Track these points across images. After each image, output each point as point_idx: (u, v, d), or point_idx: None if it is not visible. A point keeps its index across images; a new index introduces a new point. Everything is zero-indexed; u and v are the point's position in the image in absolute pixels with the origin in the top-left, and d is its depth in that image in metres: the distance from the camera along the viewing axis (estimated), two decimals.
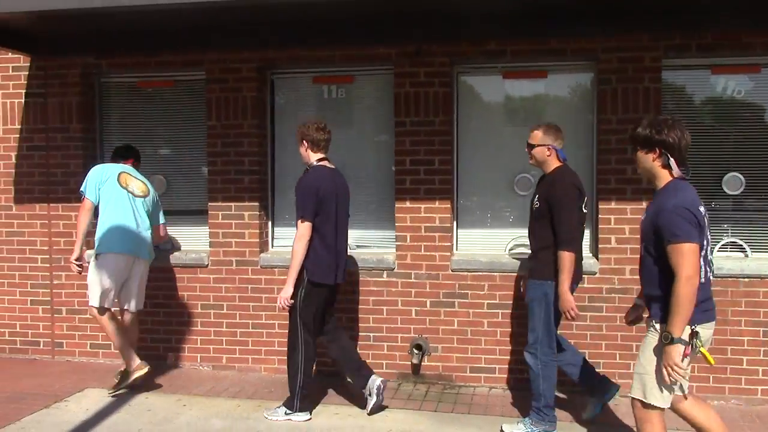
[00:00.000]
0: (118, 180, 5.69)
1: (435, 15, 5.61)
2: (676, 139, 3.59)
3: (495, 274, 5.85)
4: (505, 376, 5.87)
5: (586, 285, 5.68)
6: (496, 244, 6.10)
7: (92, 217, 5.69)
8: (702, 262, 3.52)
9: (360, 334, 6.08)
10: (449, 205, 5.94)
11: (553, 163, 4.89)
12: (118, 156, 5.95)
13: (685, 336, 3.50)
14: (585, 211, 4.89)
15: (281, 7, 5.21)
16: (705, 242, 3.58)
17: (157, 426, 5.01)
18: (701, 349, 3.55)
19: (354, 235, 6.29)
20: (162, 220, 5.99)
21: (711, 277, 3.69)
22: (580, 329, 5.72)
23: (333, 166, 5.28)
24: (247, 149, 6.21)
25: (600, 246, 5.70)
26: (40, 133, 6.58)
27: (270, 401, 5.53)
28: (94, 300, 5.59)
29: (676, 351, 3.49)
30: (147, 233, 5.76)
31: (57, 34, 6.25)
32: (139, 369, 5.59)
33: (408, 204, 5.97)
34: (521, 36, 5.72)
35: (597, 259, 5.74)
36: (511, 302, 5.83)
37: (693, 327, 3.51)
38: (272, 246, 6.45)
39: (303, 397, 5.15)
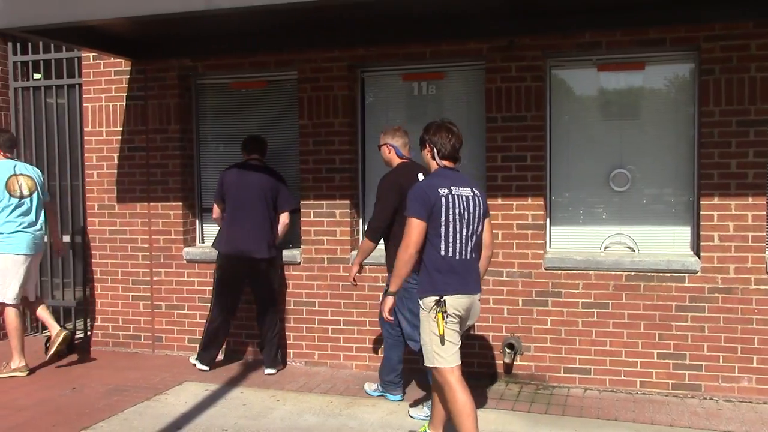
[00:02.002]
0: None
1: (527, 7, 5.50)
2: (438, 138, 4.33)
3: (590, 272, 5.69)
4: (601, 377, 5.70)
5: (686, 284, 5.46)
6: (590, 241, 5.94)
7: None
8: (444, 240, 4.13)
9: None
10: (542, 202, 5.81)
11: (395, 161, 5.34)
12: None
13: (429, 302, 4.12)
14: None
15: (372, 4, 5.21)
16: (453, 224, 4.15)
17: (251, 420, 5.10)
18: (438, 315, 4.08)
19: None
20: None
21: (465, 256, 4.18)
22: (680, 330, 5.51)
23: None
24: (337, 147, 6.26)
25: (702, 243, 5.47)
26: (140, 134, 6.82)
27: (362, 398, 5.55)
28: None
29: (387, 301, 4.32)
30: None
31: (156, 38, 6.46)
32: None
33: (499, 201, 5.88)
34: (617, 26, 5.54)
35: (698, 258, 5.50)
36: (607, 301, 5.66)
37: (438, 297, 4.09)
38: None
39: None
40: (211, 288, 6.33)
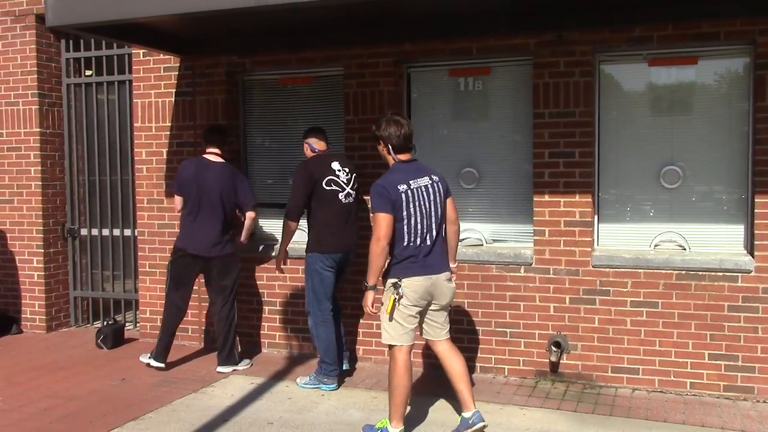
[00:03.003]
0: None
1: (576, 1, 5.42)
2: (392, 132, 4.53)
3: (639, 270, 5.60)
4: (650, 377, 5.61)
5: (739, 284, 5.34)
6: (640, 239, 5.84)
7: None
8: (407, 231, 4.46)
9: (496, 329, 5.99)
10: (590, 199, 5.73)
11: (309, 155, 5.92)
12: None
13: (389, 283, 4.48)
14: (327, 187, 5.69)
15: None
16: (414, 215, 4.47)
17: (297, 414, 5.14)
18: (392, 297, 4.45)
19: (490, 229, 6.23)
20: None
21: (426, 242, 4.50)
22: (732, 331, 5.39)
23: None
24: None
25: (756, 242, 5.34)
26: (188, 129, 6.90)
27: None
28: None
29: (367, 296, 4.53)
30: None
31: (204, 35, 6.52)
32: None
33: (546, 198, 5.82)
34: (669, 20, 5.43)
35: (752, 257, 5.37)
36: (657, 300, 5.56)
37: (397, 279, 4.44)
38: None
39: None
40: (261, 282, 6.39)
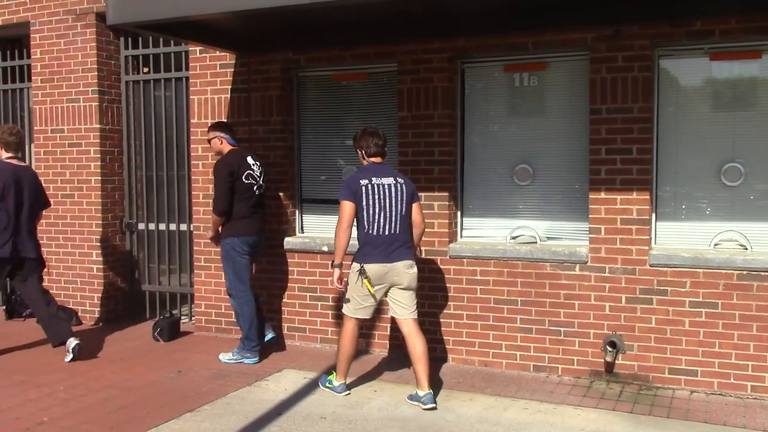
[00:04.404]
0: None
1: None
2: (364, 141, 5.41)
3: (698, 270, 5.47)
4: (709, 379, 5.48)
5: None
6: (699, 238, 5.70)
7: None
8: (366, 220, 5.23)
9: (550, 328, 5.93)
10: (648, 197, 5.62)
11: (227, 149, 6.33)
12: None
13: (356, 267, 5.24)
14: (246, 181, 6.23)
15: None
16: (374, 207, 5.23)
17: (349, 409, 5.16)
18: (365, 280, 5.21)
19: (544, 226, 6.16)
20: None
21: (385, 233, 5.23)
22: None
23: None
24: (437, 139, 6.23)
25: None
26: (243, 125, 6.98)
27: (458, 391, 5.53)
28: None
29: (333, 273, 5.32)
30: None
31: (260, 32, 6.58)
32: None
33: (603, 195, 5.73)
34: (732, 13, 5.28)
35: None
36: (717, 301, 5.43)
37: (360, 264, 5.22)
38: (461, 236, 6.44)
39: None
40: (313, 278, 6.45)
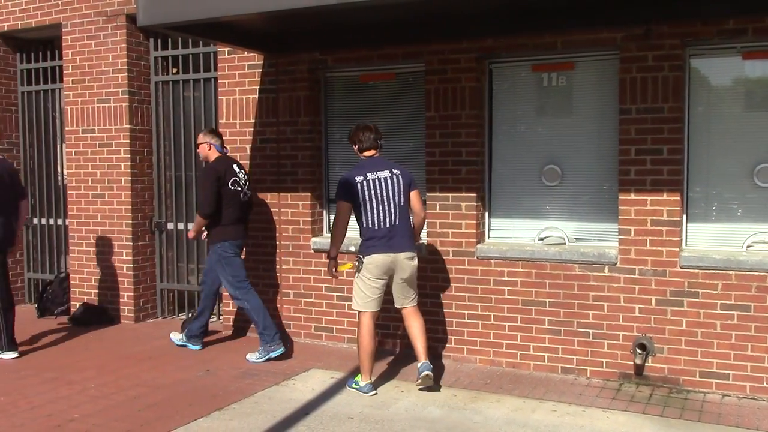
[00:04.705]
0: None
1: None
2: (356, 137, 5.63)
3: (730, 272, 5.39)
4: (741, 383, 5.41)
5: None
6: (731, 239, 5.62)
7: None
8: (365, 215, 5.44)
9: (578, 330, 5.88)
10: (678, 198, 5.55)
11: (214, 155, 6.56)
12: None
13: (356, 262, 5.52)
14: (232, 188, 6.46)
15: None
16: (372, 202, 5.43)
17: (376, 410, 5.16)
18: (347, 264, 5.74)
19: (573, 227, 6.11)
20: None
21: (386, 225, 5.43)
22: None
23: None
24: (464, 140, 6.21)
25: None
26: (271, 126, 7.01)
27: (485, 393, 5.51)
28: None
29: (329, 263, 5.61)
30: None
31: (288, 32, 6.62)
32: None
33: (632, 196, 5.67)
34: (766, 11, 5.20)
35: None
36: (749, 304, 5.35)
37: (359, 256, 5.47)
38: (488, 237, 6.41)
39: None
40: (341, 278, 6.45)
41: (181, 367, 6.21)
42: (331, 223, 5.60)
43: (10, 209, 6.66)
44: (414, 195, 5.60)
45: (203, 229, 6.62)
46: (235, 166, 6.58)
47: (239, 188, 6.54)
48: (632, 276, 5.70)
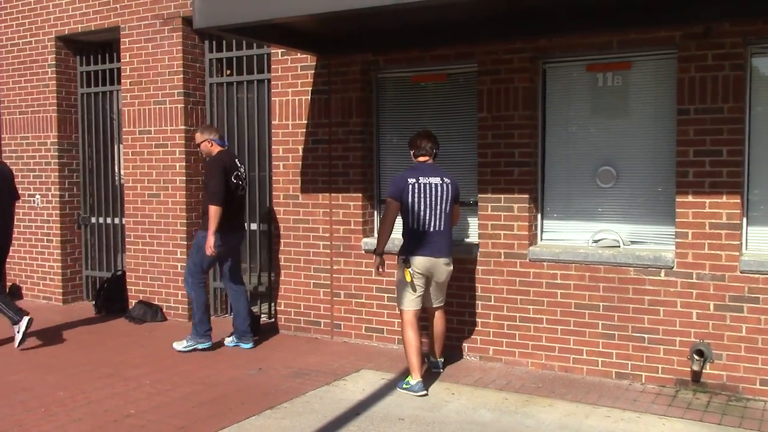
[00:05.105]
0: None
1: None
2: (414, 143, 5.83)
3: None
4: None
5: None
6: None
7: None
8: (411, 216, 5.63)
9: (633, 335, 5.77)
10: (738, 200, 5.41)
11: (216, 150, 6.76)
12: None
13: (401, 260, 5.68)
14: (234, 181, 6.66)
15: None
16: (420, 204, 5.62)
17: (427, 412, 5.15)
18: (407, 271, 5.60)
19: (628, 230, 6.01)
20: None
21: (430, 229, 5.62)
22: None
23: None
24: (517, 141, 6.15)
25: None
26: (323, 127, 7.05)
27: (538, 397, 5.45)
28: None
29: (375, 260, 5.83)
30: None
31: (340, 34, 6.64)
32: None
33: (690, 198, 5.54)
34: None
35: None
36: None
37: (405, 257, 5.63)
38: (541, 239, 6.34)
39: None
40: (391, 279, 6.48)
41: (233, 366, 6.28)
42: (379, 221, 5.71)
43: (9, 215, 7.03)
44: (456, 208, 5.88)
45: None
46: (236, 161, 6.83)
47: (239, 182, 6.76)
48: (690, 280, 5.57)
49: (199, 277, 6.76)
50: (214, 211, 6.47)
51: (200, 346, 6.72)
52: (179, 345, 6.77)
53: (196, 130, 6.94)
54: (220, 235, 6.57)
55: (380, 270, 5.83)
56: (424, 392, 5.49)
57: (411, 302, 5.66)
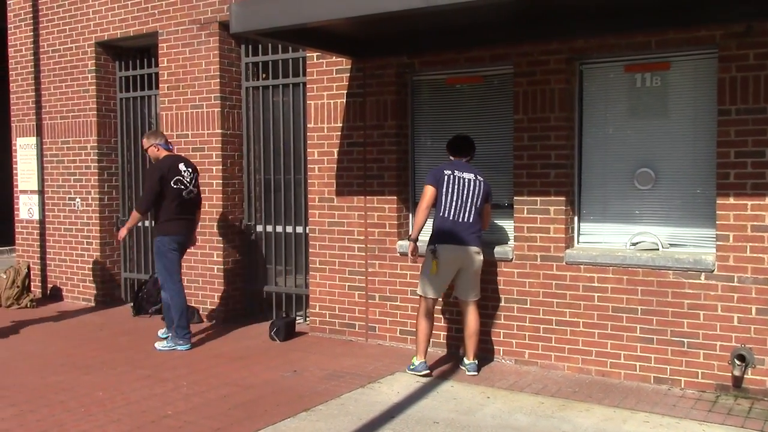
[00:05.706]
0: None
1: None
2: (456, 144, 6.14)
3: None
4: None
5: None
6: None
7: None
8: (444, 205, 5.91)
9: (672, 339, 5.68)
10: None
11: (162, 154, 6.99)
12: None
13: (429, 248, 5.93)
14: (175, 186, 6.86)
15: None
16: (453, 195, 5.91)
17: (462, 415, 5.12)
18: (434, 262, 5.84)
19: (667, 233, 5.92)
20: None
21: (460, 220, 5.89)
22: None
23: None
24: (553, 143, 6.10)
25: None
26: (358, 130, 7.06)
27: (574, 401, 5.39)
28: None
29: (410, 246, 6.07)
30: None
31: (375, 37, 6.65)
32: None
33: (731, 200, 5.44)
34: None
35: None
36: None
37: (433, 246, 5.89)
38: (578, 242, 6.27)
39: None
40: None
41: (269, 368, 6.32)
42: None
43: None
44: (487, 207, 6.10)
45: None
46: (181, 165, 7.00)
47: (183, 186, 6.94)
48: (731, 284, 5.46)
49: (175, 279, 7.00)
50: (134, 215, 7.03)
51: (180, 348, 6.93)
52: (159, 345, 7.01)
53: (143, 137, 7.31)
54: (171, 237, 6.92)
55: (414, 255, 6.04)
56: (427, 371, 5.92)
57: (430, 290, 5.95)
